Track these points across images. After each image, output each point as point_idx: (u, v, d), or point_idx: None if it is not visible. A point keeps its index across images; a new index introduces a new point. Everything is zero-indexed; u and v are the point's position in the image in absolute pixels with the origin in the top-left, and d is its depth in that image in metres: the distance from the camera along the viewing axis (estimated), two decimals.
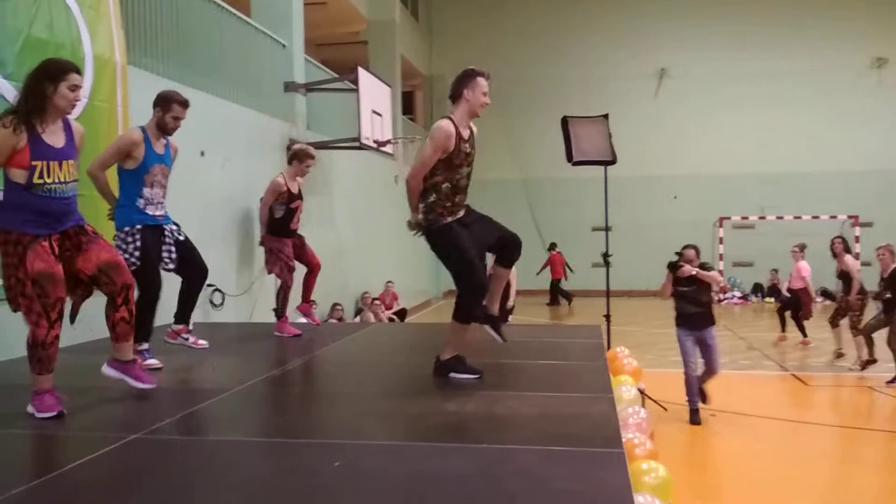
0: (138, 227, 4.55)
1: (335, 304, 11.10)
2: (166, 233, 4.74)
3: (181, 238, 4.84)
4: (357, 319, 11.75)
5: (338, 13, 15.15)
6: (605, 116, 7.65)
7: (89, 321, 5.21)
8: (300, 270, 6.42)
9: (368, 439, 3.04)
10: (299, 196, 6.19)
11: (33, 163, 3.30)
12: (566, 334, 6.23)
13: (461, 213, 4.23)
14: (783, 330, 12.10)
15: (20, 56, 5.26)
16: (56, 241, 3.40)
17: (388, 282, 13.56)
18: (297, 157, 6.15)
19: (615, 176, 18.26)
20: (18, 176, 3.31)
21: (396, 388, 4.11)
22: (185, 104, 4.76)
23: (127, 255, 4.50)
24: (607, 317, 7.81)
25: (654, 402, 7.56)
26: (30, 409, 3.34)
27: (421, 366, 4.28)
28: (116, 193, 4.73)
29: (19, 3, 5.28)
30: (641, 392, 7.58)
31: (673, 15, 20.04)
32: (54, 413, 3.28)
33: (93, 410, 3.59)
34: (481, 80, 4.17)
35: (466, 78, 4.17)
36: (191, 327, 5.14)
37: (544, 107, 18.68)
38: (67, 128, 3.53)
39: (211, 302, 7.86)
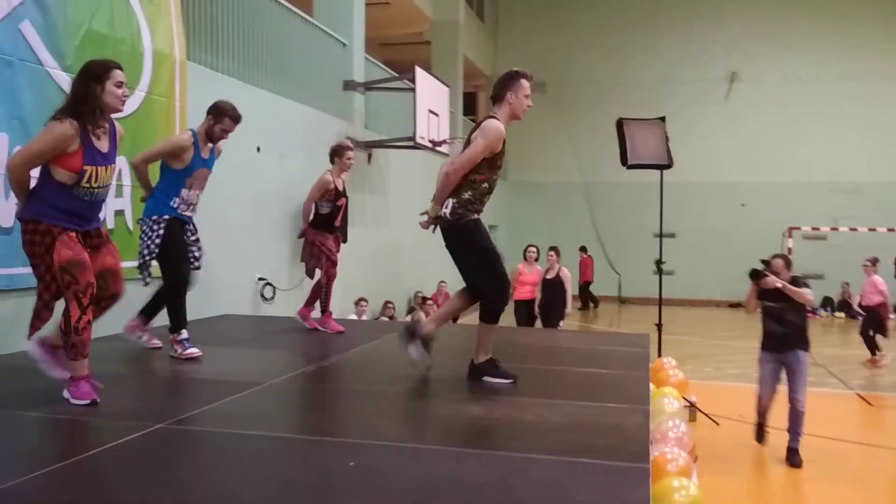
0: (166, 217, 4.64)
1: (387, 302, 11.14)
2: (189, 230, 4.83)
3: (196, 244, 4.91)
4: (408, 318, 11.74)
5: (402, 13, 15.21)
6: (662, 119, 7.43)
7: (127, 310, 5.36)
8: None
9: (388, 440, 2.98)
10: (344, 194, 6.21)
11: (85, 167, 3.36)
12: (612, 342, 6.07)
13: (480, 215, 4.18)
14: (874, 352, 11.05)
15: (79, 49, 5.40)
16: (80, 236, 3.46)
17: (441, 282, 13.53)
18: (336, 153, 6.18)
19: (680, 181, 17.78)
20: (64, 176, 3.36)
21: (427, 389, 4.05)
22: (236, 120, 4.85)
23: (148, 242, 4.62)
24: (658, 325, 7.59)
25: (706, 415, 7.32)
26: (65, 394, 3.41)
27: (459, 367, 4.21)
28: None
29: (81, 0, 5.44)
30: (692, 405, 7.38)
31: (745, 16, 19.44)
32: (88, 401, 3.33)
33: (123, 398, 3.63)
34: (524, 83, 4.10)
35: (510, 80, 4.09)
36: (147, 327, 4.96)
37: (608, 109, 18.32)
38: (112, 130, 3.58)
39: (262, 295, 7.96)
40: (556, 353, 5.41)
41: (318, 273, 6.28)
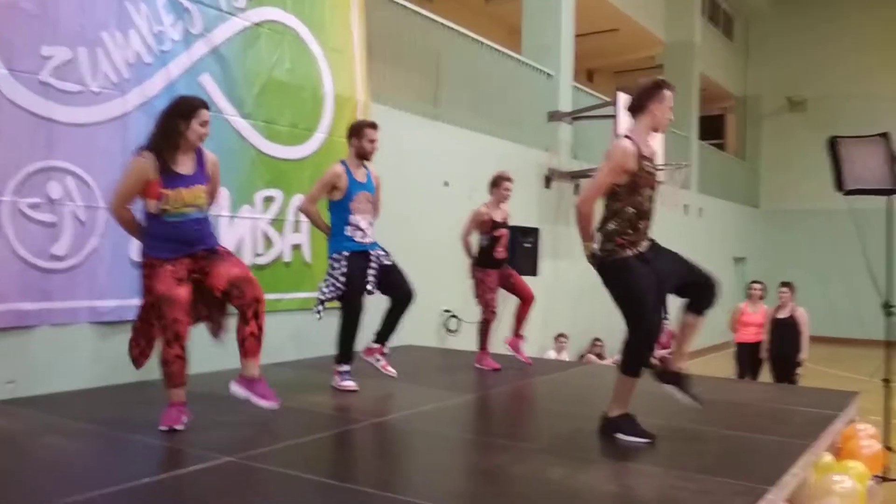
0: (346, 253, 4.81)
1: (595, 340, 10.64)
2: (371, 257, 4.92)
3: (388, 263, 4.99)
4: (616, 358, 11.09)
5: (631, 38, 14.71)
6: (884, 135, 6.25)
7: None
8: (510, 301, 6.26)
9: (428, 500, 2.74)
10: (503, 224, 6.04)
11: (163, 190, 3.57)
12: (806, 399, 5.12)
13: (643, 246, 3.75)
14: None
15: (259, 97, 5.88)
16: (184, 265, 3.63)
17: (663, 318, 12.61)
18: (494, 183, 6.08)
19: None
20: (151, 206, 3.62)
21: (534, 442, 3.71)
22: (373, 126, 5.05)
23: (333, 280, 4.79)
24: (886, 381, 6.33)
25: None
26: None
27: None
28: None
29: (262, 51, 5.92)
30: None
31: None
32: (166, 427, 3.51)
33: (223, 424, 3.75)
34: (668, 93, 3.78)
35: (653, 90, 3.77)
36: (386, 351, 5.13)
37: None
38: (199, 156, 3.77)
39: (446, 328, 8.00)
40: (714, 409, 4.71)
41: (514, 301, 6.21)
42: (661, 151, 10.25)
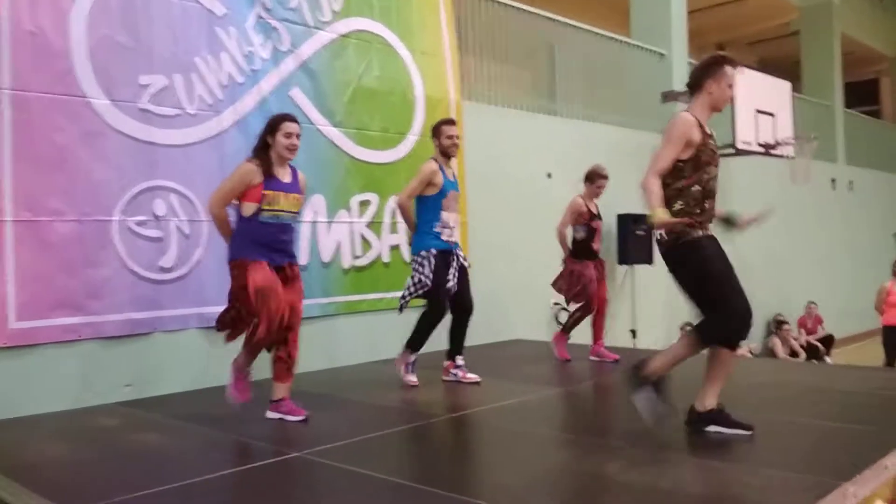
0: (433, 251, 4.89)
1: None
2: (453, 257, 5.01)
3: (465, 265, 5.09)
4: (753, 346, 10.50)
5: (762, 6, 13.82)
6: None
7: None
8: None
9: (487, 500, 2.73)
10: (598, 216, 5.94)
11: (264, 192, 3.82)
12: None
13: (710, 227, 3.58)
14: None
15: (349, 105, 6.10)
16: (271, 268, 3.83)
17: (810, 302, 11.79)
18: (589, 178, 5.98)
19: None
20: (248, 209, 3.85)
21: (603, 437, 3.62)
22: (450, 122, 5.14)
23: (423, 277, 4.87)
24: None
25: None
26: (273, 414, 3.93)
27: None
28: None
29: (350, 61, 6.14)
30: None
31: None
32: (302, 417, 3.87)
33: (289, 423, 3.95)
34: (729, 70, 3.57)
35: (712, 66, 3.58)
36: (459, 363, 5.11)
37: None
38: (294, 175, 4.03)
39: (556, 320, 7.90)
40: (814, 398, 4.37)
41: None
42: (787, 128, 9.64)
